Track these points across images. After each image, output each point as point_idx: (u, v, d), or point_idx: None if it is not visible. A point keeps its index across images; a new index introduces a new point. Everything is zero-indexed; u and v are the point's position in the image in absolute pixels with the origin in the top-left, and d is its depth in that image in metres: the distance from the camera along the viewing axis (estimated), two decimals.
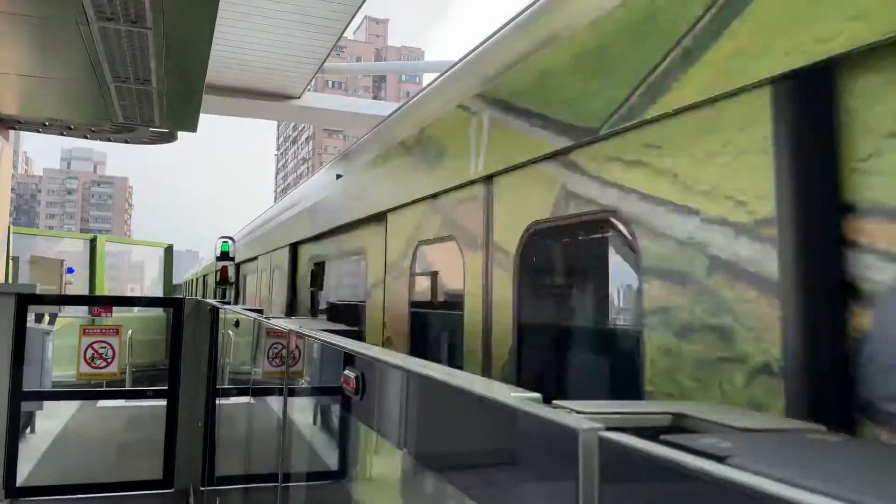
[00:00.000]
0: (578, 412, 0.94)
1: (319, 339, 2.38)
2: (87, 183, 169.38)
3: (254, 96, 14.36)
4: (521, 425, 0.96)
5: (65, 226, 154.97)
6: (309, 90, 15.12)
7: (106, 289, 17.31)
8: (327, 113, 16.44)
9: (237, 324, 3.41)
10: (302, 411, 3.27)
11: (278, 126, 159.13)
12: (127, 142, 8.65)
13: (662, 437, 0.80)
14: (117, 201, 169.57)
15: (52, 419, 8.27)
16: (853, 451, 0.86)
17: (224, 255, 10.93)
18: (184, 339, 6.29)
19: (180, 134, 8.69)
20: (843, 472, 0.73)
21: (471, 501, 1.22)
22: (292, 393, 3.42)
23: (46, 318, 8.86)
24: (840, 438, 0.89)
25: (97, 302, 7.11)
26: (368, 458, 2.04)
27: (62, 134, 8.29)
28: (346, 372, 1.85)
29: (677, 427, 1.02)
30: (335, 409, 2.93)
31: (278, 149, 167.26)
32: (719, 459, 0.70)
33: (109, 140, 8.60)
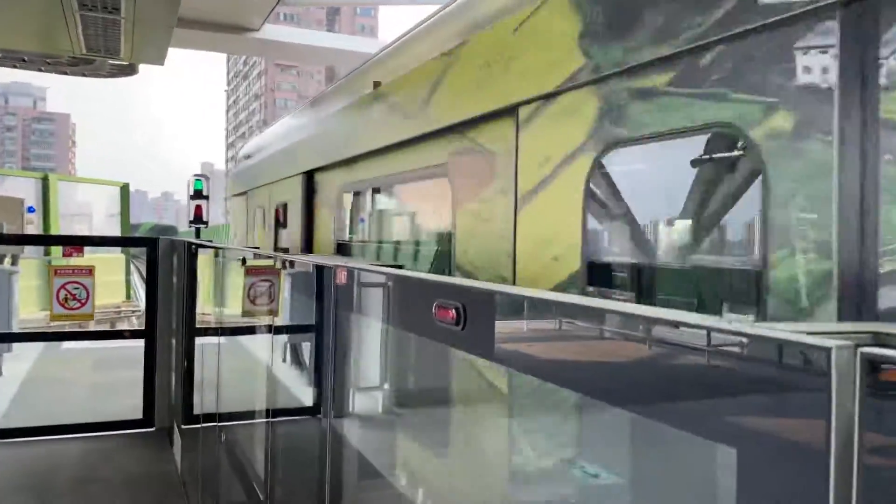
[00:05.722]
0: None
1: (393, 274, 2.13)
2: (28, 119, 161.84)
3: (211, 28, 13.77)
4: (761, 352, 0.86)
5: (5, 164, 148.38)
6: (268, 23, 14.57)
7: (60, 230, 16.75)
8: (286, 46, 15.89)
9: (244, 261, 3.37)
10: (277, 350, 3.32)
11: (227, 60, 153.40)
12: (84, 75, 8.23)
13: None
14: (60, 138, 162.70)
15: (19, 361, 8.11)
16: None
17: (198, 194, 10.59)
18: (160, 278, 6.19)
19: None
20: None
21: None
22: (279, 331, 3.44)
23: (9, 259, 8.57)
24: None
25: (68, 242, 6.87)
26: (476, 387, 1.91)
27: (15, 66, 7.85)
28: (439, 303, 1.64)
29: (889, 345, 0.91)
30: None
31: (228, 84, 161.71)
32: None
33: (65, 73, 8.17)
